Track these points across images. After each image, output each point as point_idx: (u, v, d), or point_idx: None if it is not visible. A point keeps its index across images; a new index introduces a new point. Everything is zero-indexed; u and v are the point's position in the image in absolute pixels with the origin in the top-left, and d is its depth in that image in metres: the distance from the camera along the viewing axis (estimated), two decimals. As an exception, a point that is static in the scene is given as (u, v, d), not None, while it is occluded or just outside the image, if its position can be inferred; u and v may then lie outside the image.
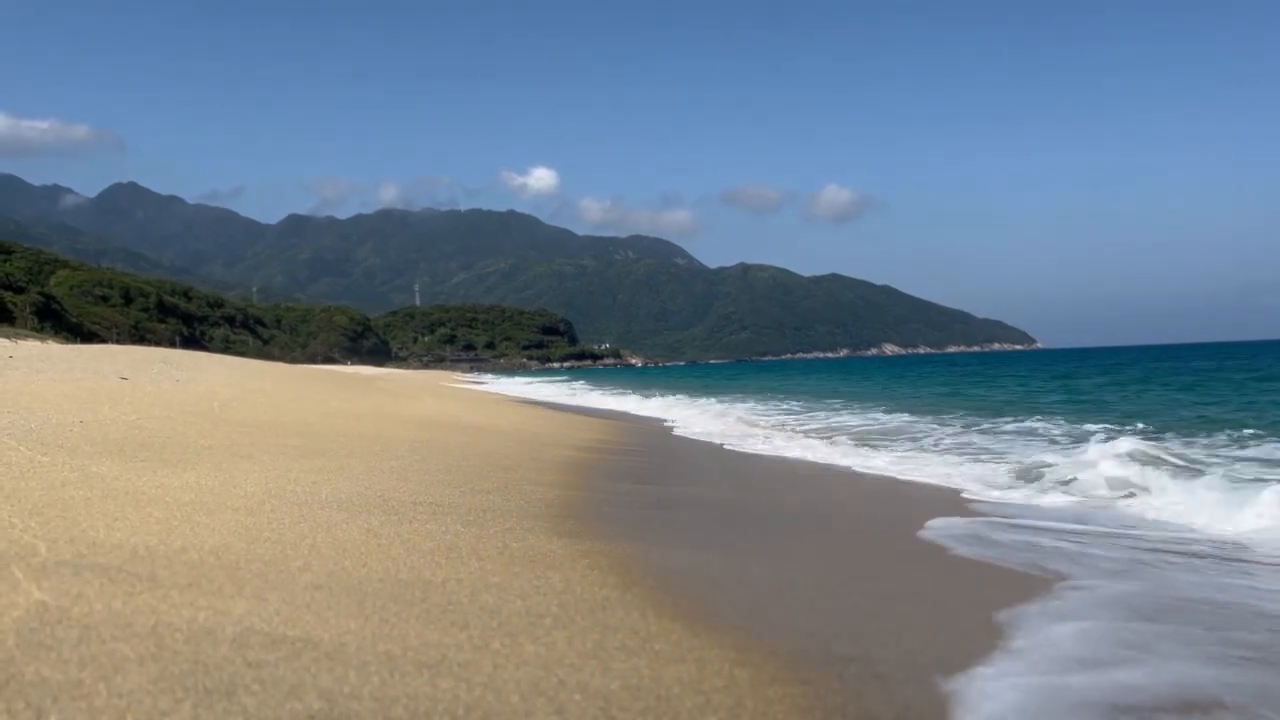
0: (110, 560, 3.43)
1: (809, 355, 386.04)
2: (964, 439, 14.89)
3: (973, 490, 9.23)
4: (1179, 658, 3.69)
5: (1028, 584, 4.99)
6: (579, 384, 57.54)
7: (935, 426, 17.32)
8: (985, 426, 16.89)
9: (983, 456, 12.29)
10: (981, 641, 3.81)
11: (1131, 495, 8.60)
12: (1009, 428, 16.50)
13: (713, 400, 30.47)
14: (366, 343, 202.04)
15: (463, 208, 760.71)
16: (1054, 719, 3.01)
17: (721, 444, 14.85)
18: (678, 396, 33.89)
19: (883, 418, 20.05)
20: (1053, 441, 13.96)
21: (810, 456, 12.86)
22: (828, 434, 16.75)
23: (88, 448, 6.48)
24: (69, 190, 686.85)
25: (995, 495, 8.89)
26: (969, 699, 3.12)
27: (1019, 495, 8.88)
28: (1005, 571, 5.41)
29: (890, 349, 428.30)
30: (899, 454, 13.04)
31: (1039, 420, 17.60)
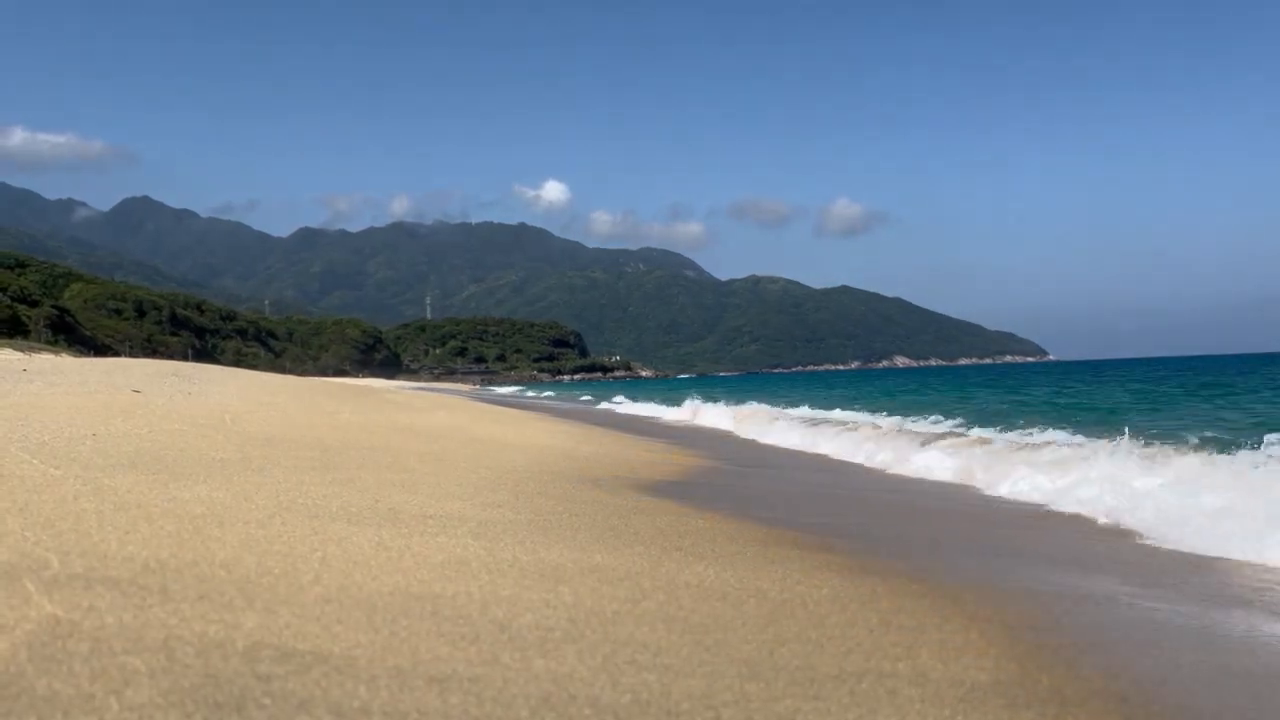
0: (121, 573, 3.44)
1: (819, 367, 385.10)
2: None
3: None
4: None
5: None
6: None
7: None
8: None
9: None
10: None
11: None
12: None
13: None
14: (378, 355, 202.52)
15: (474, 220, 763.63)
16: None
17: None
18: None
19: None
20: None
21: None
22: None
23: (100, 461, 6.50)
24: (82, 204, 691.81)
25: None
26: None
27: None
28: None
29: (902, 361, 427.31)
30: None
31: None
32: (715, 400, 32.51)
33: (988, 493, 11.04)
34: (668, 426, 26.62)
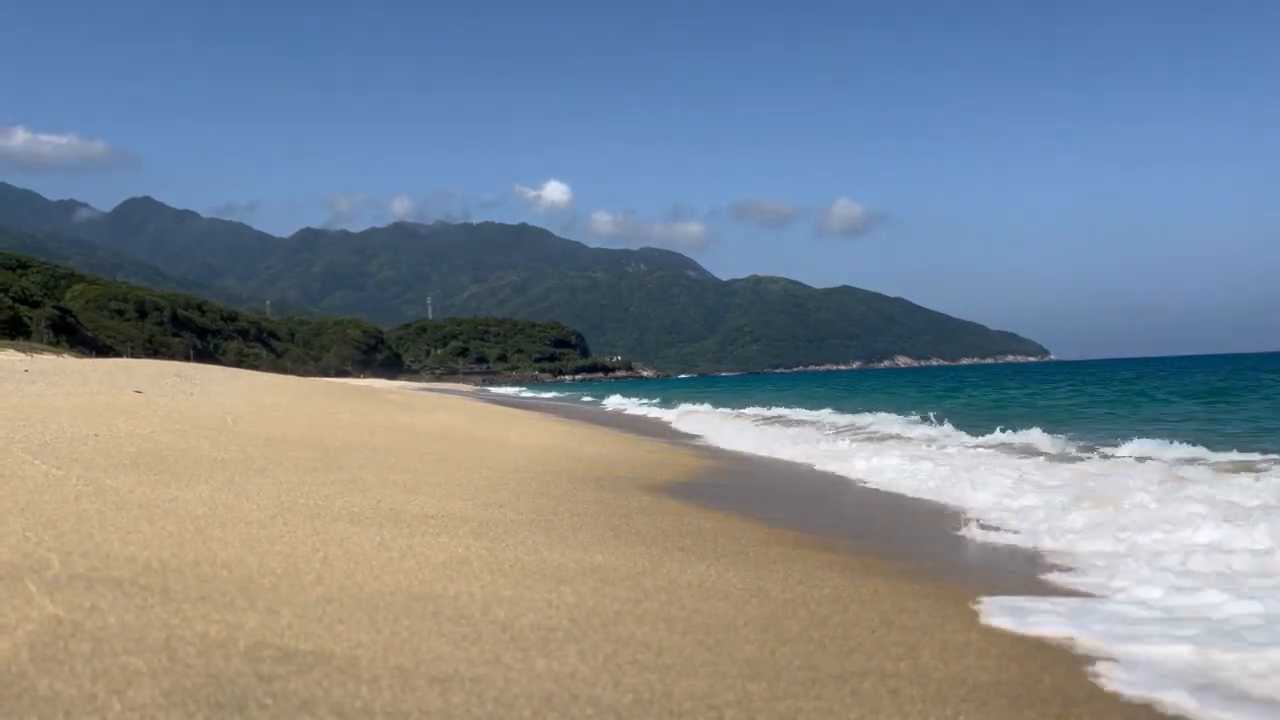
0: (123, 573, 3.44)
1: (821, 367, 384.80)
2: None
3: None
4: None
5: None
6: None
7: None
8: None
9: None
10: None
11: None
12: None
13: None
14: (379, 356, 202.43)
15: (475, 221, 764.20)
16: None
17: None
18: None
19: None
20: None
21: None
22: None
23: (102, 461, 6.51)
24: (84, 205, 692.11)
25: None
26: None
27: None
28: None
29: (903, 361, 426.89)
30: None
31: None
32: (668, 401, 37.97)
33: (818, 468, 13.13)
34: (628, 419, 29.77)
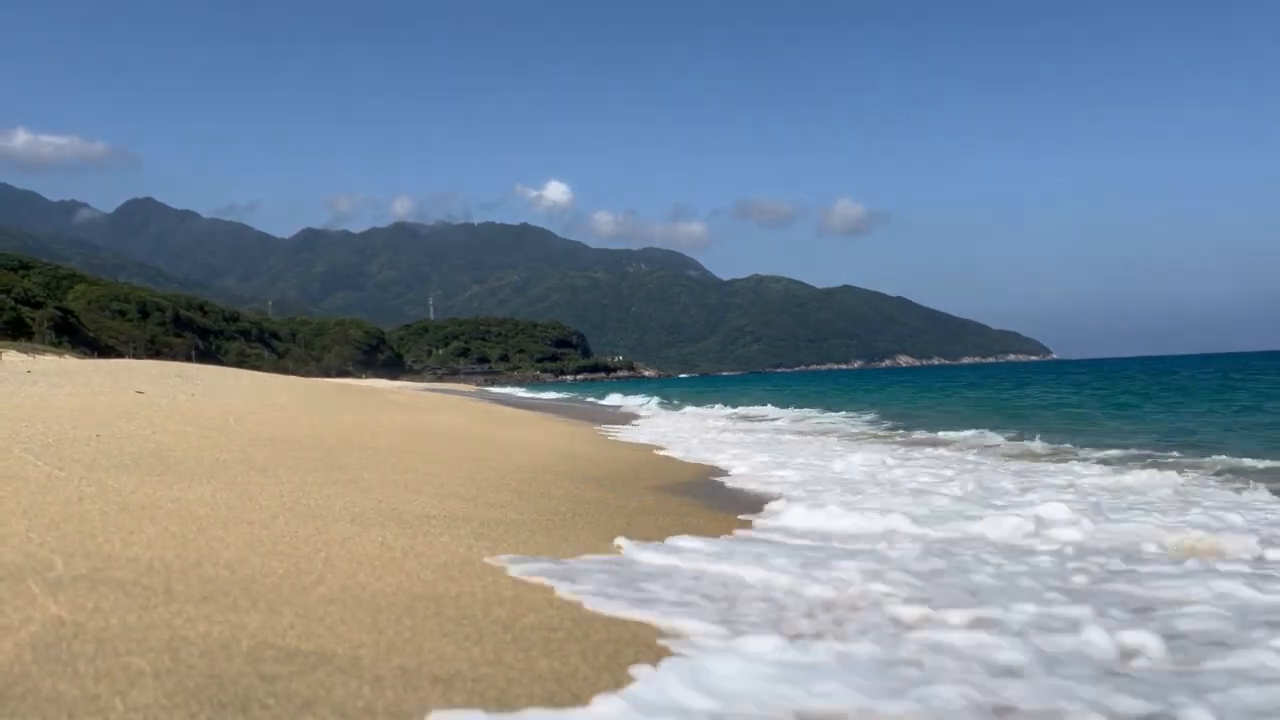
0: (126, 574, 3.45)
1: (822, 367, 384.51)
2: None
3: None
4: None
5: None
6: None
7: None
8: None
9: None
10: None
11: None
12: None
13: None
14: (381, 356, 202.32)
15: (476, 221, 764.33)
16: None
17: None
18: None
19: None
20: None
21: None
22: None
23: (104, 462, 6.52)
24: (85, 205, 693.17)
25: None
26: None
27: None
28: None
29: (905, 360, 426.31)
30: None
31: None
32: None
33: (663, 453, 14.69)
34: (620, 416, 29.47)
